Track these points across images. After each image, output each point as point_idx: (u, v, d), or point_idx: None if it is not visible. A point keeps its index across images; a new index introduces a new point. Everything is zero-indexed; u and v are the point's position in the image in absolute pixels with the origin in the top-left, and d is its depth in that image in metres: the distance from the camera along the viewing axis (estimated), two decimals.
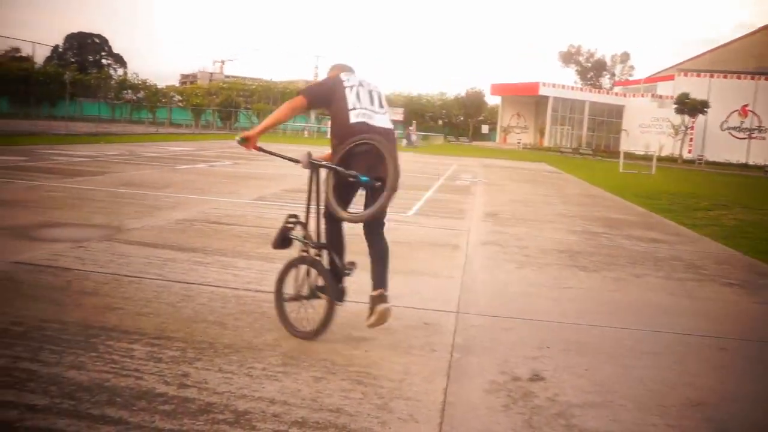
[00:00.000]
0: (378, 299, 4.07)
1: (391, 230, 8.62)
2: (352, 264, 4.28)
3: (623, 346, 4.55)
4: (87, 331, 4.03)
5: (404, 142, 52.73)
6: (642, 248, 8.76)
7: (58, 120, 42.51)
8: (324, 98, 4.24)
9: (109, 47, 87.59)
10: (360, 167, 3.96)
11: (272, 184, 13.97)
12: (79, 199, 9.60)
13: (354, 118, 4.05)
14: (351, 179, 3.96)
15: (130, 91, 69.39)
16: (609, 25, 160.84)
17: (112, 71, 78.71)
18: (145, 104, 66.36)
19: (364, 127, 4.02)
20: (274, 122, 4.27)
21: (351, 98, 4.10)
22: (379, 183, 3.94)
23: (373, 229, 4.26)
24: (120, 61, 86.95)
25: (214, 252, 6.57)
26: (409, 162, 27.66)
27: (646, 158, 38.57)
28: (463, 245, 8.05)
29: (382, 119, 4.18)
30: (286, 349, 3.97)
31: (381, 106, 4.23)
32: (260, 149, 4.24)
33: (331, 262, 4.24)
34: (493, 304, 5.44)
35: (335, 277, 4.19)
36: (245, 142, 4.11)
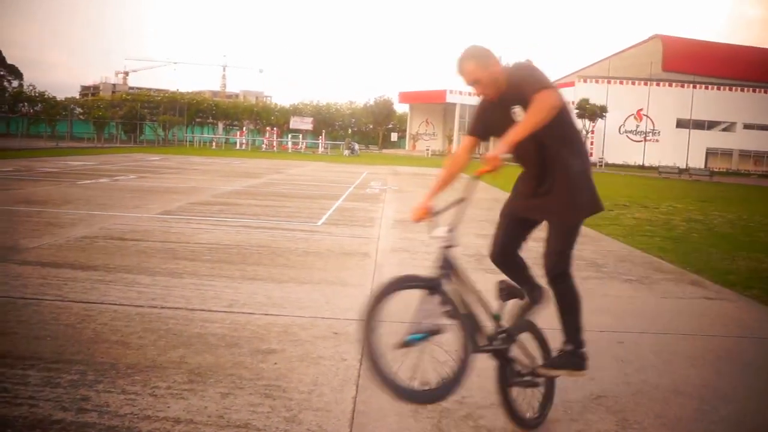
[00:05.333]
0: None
1: (300, 240, 8.65)
2: None
3: None
4: None
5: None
6: None
7: None
8: None
9: (2, 57, 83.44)
10: None
11: (179, 197, 13.62)
12: None
13: None
14: None
15: (26, 103, 66.27)
16: (512, 32, 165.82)
17: (6, 83, 75.02)
18: (44, 117, 63.51)
19: None
20: None
21: None
22: None
23: None
24: (15, 72, 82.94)
25: (117, 269, 6.35)
26: (319, 171, 27.64)
27: None
28: (373, 253, 8.09)
29: None
30: (192, 366, 3.88)
31: None
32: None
33: None
34: (403, 311, 5.47)
35: None
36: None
